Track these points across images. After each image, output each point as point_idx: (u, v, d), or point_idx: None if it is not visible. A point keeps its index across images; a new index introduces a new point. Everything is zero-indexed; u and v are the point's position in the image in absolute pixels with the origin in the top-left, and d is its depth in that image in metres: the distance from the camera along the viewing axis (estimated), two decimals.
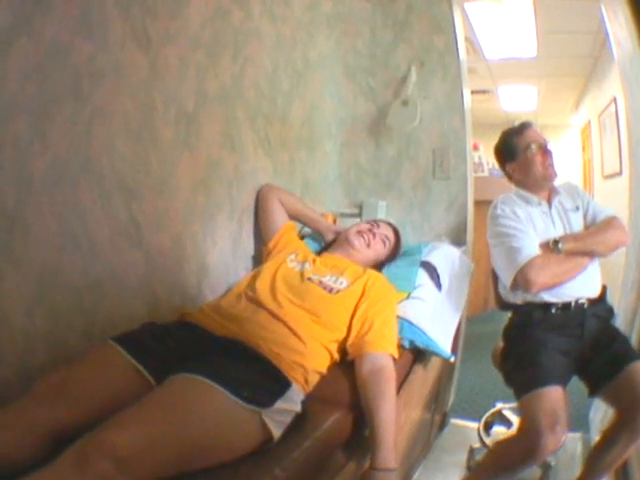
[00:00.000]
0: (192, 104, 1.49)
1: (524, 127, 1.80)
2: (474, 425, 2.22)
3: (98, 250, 1.23)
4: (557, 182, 1.83)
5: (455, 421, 2.44)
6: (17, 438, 0.88)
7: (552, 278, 1.59)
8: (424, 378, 1.67)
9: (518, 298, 1.72)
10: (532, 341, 1.62)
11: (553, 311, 1.65)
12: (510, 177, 1.86)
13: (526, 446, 1.41)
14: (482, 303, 4.21)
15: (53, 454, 0.82)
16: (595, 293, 1.69)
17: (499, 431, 2.18)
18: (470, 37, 4.23)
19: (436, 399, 2.11)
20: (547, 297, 1.65)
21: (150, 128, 1.35)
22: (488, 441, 2.07)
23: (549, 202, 1.77)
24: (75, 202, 1.16)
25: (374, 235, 1.70)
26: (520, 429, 1.51)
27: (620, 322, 1.98)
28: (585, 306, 1.65)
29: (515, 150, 1.78)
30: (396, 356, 1.33)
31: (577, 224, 1.73)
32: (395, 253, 1.80)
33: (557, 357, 1.57)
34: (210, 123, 1.57)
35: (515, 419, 2.22)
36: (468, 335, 2.42)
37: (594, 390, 1.58)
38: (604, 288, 1.73)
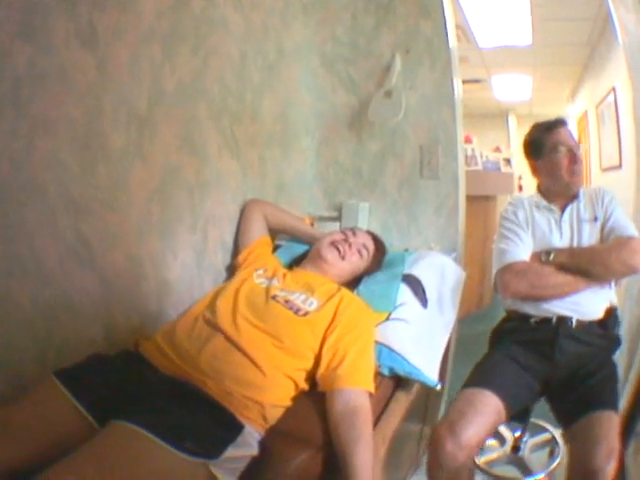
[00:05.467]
0: (145, 105, 1.35)
1: (556, 125, 1.67)
2: None
3: (47, 274, 1.16)
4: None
5: None
6: None
7: (527, 288, 1.50)
8: (406, 404, 1.49)
9: (505, 303, 1.67)
10: (497, 350, 1.58)
11: (531, 323, 1.56)
12: (533, 173, 1.75)
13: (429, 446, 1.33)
14: (477, 300, 4.13)
15: None
16: (590, 315, 1.54)
17: (492, 445, 2.09)
18: (462, 24, 4.13)
19: (424, 414, 1.98)
20: (526, 308, 1.58)
21: (97, 135, 1.24)
22: (480, 461, 1.95)
23: (562, 209, 1.62)
24: (20, 223, 1.09)
25: (350, 245, 1.54)
26: None
27: (624, 331, 1.82)
28: (573, 325, 1.51)
29: (542, 148, 1.66)
30: (372, 391, 1.20)
31: (589, 236, 1.56)
32: (376, 264, 1.63)
33: (514, 369, 1.48)
34: (166, 125, 1.42)
35: (509, 435, 2.12)
36: (461, 336, 2.25)
37: (561, 424, 1.47)
38: (609, 311, 1.56)
